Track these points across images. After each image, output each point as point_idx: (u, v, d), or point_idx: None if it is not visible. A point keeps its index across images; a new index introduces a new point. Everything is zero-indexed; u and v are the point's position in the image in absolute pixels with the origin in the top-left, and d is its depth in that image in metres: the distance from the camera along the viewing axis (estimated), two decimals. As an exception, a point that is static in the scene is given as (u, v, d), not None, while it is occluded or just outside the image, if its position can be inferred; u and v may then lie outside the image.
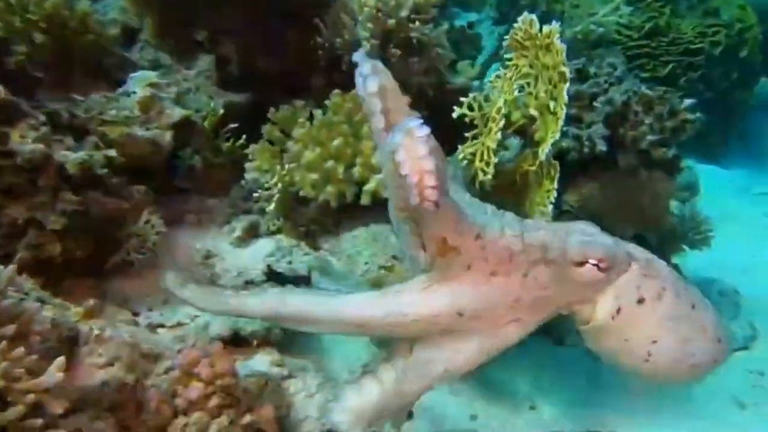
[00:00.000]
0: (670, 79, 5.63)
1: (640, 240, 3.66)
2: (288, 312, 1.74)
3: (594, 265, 1.62)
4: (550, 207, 2.44)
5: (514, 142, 2.88)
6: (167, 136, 2.35)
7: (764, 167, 6.78)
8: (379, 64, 1.64)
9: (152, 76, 2.36)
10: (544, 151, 2.42)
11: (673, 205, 4.72)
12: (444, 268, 1.64)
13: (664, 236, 3.88)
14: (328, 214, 2.57)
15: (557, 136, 2.38)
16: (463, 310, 1.65)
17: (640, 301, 1.67)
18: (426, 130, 1.41)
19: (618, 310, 1.68)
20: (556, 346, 3.21)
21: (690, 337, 1.71)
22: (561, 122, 2.38)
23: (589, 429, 2.57)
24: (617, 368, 1.81)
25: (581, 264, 1.62)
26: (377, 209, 2.54)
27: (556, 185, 2.45)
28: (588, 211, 3.21)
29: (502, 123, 2.41)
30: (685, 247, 4.07)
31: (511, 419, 2.61)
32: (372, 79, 1.60)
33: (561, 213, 3.26)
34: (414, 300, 1.66)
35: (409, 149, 1.39)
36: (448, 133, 2.66)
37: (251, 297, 1.77)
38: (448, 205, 1.55)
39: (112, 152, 2.13)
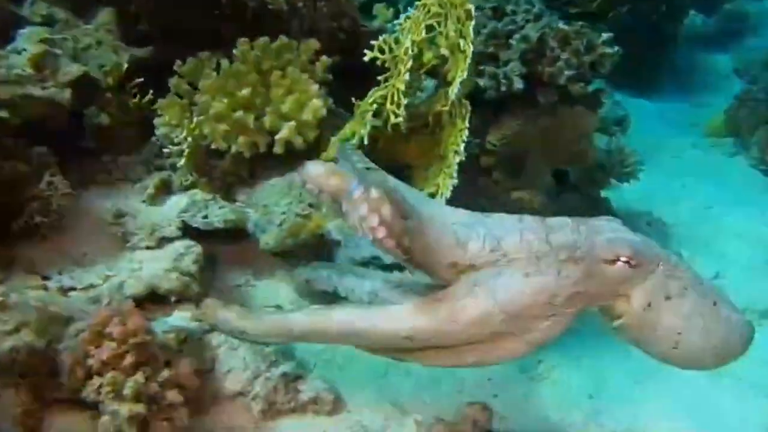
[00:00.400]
0: (599, 13, 5.63)
1: (562, 175, 3.73)
2: (336, 329, 1.87)
3: (625, 262, 1.74)
4: (463, 146, 2.45)
5: (429, 83, 2.87)
6: (66, 94, 2.26)
7: (695, 99, 6.91)
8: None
9: (42, 31, 2.26)
10: (454, 90, 2.41)
11: (600, 139, 4.79)
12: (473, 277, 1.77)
13: (591, 170, 3.95)
14: (243, 165, 2.53)
15: (465, 74, 2.37)
16: (506, 309, 1.74)
17: (668, 297, 1.79)
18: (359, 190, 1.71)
19: (649, 304, 1.79)
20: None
21: (712, 329, 1.85)
22: (469, 60, 2.37)
23: None
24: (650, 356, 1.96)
25: (612, 262, 1.74)
26: (292, 158, 2.52)
27: (467, 124, 2.45)
28: (511, 149, 3.22)
29: (410, 64, 2.39)
30: (613, 180, 4.15)
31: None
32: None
33: (485, 153, 3.27)
34: (462, 304, 1.76)
35: (353, 214, 1.71)
36: (365, 77, 2.64)
37: (296, 313, 1.96)
38: (423, 238, 1.73)
39: (4, 113, 2.04)
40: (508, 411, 2.49)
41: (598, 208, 3.99)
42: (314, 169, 1.81)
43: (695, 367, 2.01)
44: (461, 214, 1.84)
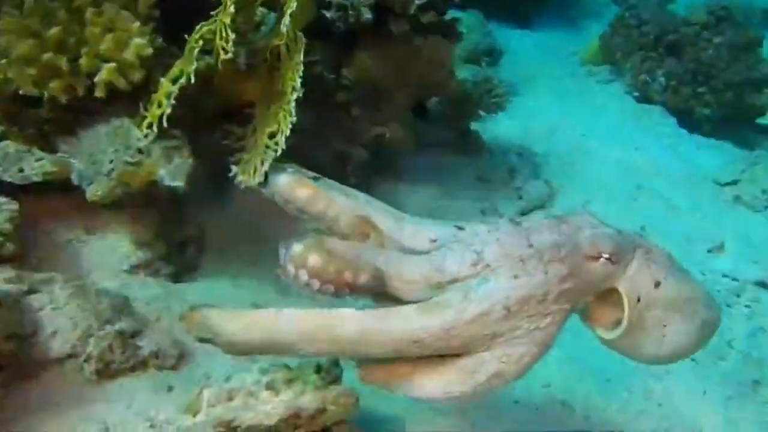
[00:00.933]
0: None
1: (421, 109, 3.68)
2: (348, 332, 1.74)
3: (607, 258, 1.75)
4: (299, 81, 2.33)
5: (272, 17, 2.72)
6: None
7: (576, 28, 6.97)
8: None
9: None
10: (285, 22, 2.27)
11: (471, 70, 4.76)
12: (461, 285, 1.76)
13: (458, 103, 3.91)
14: (61, 112, 2.33)
15: (294, 5, 2.23)
16: (508, 305, 1.73)
17: (657, 284, 1.80)
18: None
19: (638, 299, 1.79)
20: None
21: (692, 311, 1.85)
22: (298, -12, 2.23)
23: None
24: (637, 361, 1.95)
25: (595, 258, 1.76)
26: (117, 101, 2.34)
27: (302, 58, 2.33)
28: (366, 83, 3.13)
29: (234, -5, 2.22)
30: (481, 112, 4.13)
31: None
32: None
33: (340, 88, 3.17)
34: (462, 306, 1.73)
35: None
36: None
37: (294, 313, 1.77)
38: (392, 268, 1.79)
39: None
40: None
41: (465, 140, 3.98)
42: (282, 179, 1.91)
43: (681, 358, 1.98)
44: (434, 230, 1.86)
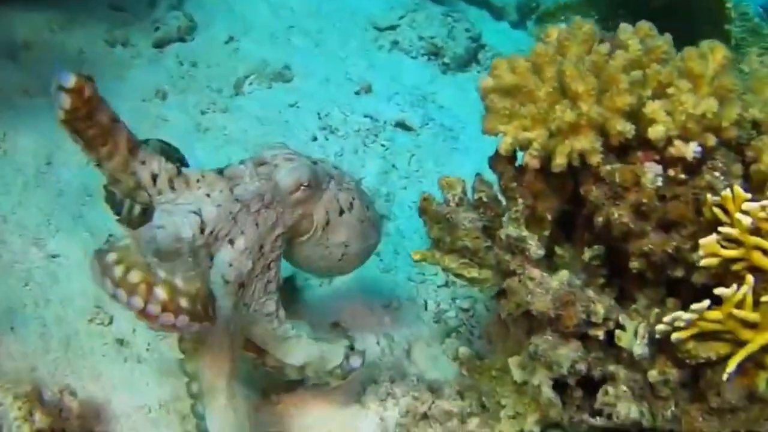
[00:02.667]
0: None
1: None
2: None
3: (306, 186, 1.89)
4: None
5: None
6: None
7: None
8: None
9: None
10: None
11: None
12: None
13: None
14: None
15: None
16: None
17: (341, 212, 2.00)
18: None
19: (327, 222, 1.98)
20: None
21: (367, 233, 2.10)
22: None
23: None
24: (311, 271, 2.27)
25: (295, 191, 1.88)
26: None
27: None
28: None
29: None
30: None
31: None
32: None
33: None
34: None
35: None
36: None
37: None
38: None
39: None
40: None
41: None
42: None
43: (347, 273, 2.26)
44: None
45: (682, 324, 1.70)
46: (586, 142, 1.77)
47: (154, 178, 1.74)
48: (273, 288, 1.90)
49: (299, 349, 1.96)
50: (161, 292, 1.49)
